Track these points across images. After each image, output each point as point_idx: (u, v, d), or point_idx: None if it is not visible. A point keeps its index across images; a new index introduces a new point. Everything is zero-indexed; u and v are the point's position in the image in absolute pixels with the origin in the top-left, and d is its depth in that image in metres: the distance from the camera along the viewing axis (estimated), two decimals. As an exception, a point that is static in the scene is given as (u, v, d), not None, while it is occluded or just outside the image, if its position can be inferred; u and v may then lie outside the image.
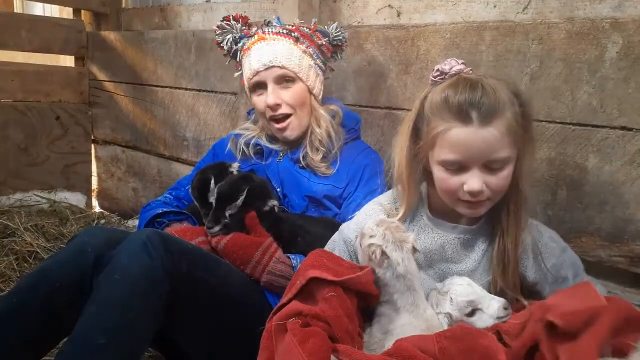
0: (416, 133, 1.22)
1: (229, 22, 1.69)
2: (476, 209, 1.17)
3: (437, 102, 1.14)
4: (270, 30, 1.63)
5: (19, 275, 2.11)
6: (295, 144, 1.67)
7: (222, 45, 1.70)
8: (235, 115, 2.34)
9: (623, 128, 1.37)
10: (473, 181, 1.12)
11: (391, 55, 1.81)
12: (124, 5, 3.23)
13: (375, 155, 1.70)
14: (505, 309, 1.12)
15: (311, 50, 1.64)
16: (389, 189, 1.67)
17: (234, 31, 1.67)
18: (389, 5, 1.99)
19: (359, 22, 2.08)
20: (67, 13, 3.38)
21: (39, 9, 4.16)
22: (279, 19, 1.70)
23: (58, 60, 3.57)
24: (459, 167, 1.13)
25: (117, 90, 3.04)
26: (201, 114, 2.55)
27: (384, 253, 1.14)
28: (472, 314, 1.14)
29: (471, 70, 1.19)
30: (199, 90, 2.55)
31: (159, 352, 1.56)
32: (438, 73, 1.19)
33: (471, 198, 1.14)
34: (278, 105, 1.58)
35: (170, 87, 2.70)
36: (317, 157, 1.60)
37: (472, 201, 1.15)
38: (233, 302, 1.32)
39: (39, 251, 2.29)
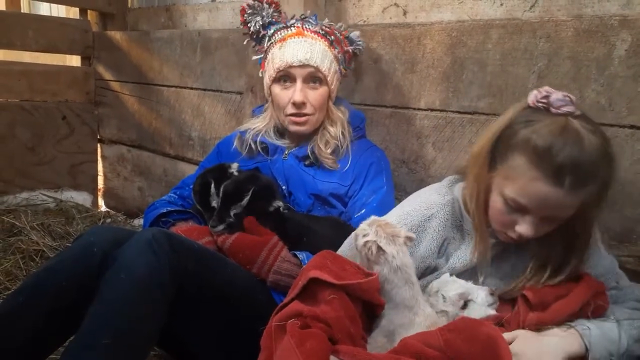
0: (492, 159, 1.14)
1: (260, 4, 1.67)
2: (511, 241, 1.19)
3: (538, 145, 1.04)
4: (309, 27, 1.63)
5: (25, 274, 2.12)
6: (301, 140, 1.68)
7: (248, 25, 1.68)
8: (241, 114, 2.34)
9: (632, 126, 1.35)
10: (527, 228, 1.11)
11: (397, 53, 1.80)
12: (129, 5, 3.24)
13: (380, 152, 1.69)
14: (492, 294, 1.19)
15: (340, 55, 1.67)
16: (395, 187, 1.68)
17: (264, 14, 1.66)
18: (395, 4, 1.98)
19: (365, 21, 2.07)
20: (73, 13, 3.39)
21: (45, 9, 4.18)
22: (315, 16, 1.69)
23: (64, 59, 3.59)
24: (521, 209, 1.11)
25: (122, 89, 3.05)
26: (206, 113, 2.55)
27: (379, 248, 1.14)
28: (464, 306, 1.18)
29: (578, 112, 1.07)
30: (204, 90, 2.55)
31: (165, 351, 1.56)
32: (544, 101, 1.07)
33: (516, 238, 1.15)
34: (303, 104, 1.58)
35: (176, 87, 2.71)
36: (327, 150, 1.61)
37: (514, 238, 1.16)
38: (239, 301, 1.31)
39: (45, 250, 2.29)
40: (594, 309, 1.12)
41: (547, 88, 1.09)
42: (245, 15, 1.68)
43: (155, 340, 1.20)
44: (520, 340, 1.07)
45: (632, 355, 1.11)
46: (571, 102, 1.06)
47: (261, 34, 1.68)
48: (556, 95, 1.07)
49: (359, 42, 1.75)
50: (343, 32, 1.71)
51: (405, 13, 1.96)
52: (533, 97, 1.10)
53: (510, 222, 1.14)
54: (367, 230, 1.17)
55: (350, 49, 1.71)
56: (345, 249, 1.33)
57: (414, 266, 1.19)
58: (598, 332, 1.08)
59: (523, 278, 1.19)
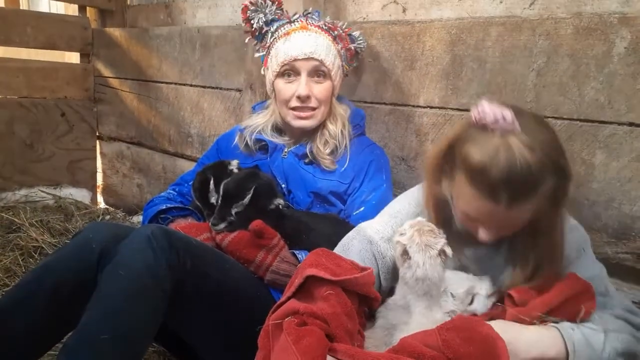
0: (443, 172, 1.17)
1: (262, 1, 1.66)
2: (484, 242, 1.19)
3: (472, 163, 1.06)
4: (312, 22, 1.64)
5: (24, 270, 2.12)
6: (301, 138, 1.68)
7: (251, 22, 1.67)
8: (240, 111, 2.34)
9: (631, 124, 1.35)
10: (485, 234, 1.13)
11: (396, 50, 1.80)
12: (128, 2, 3.23)
13: (379, 150, 1.69)
14: (492, 283, 1.17)
15: (343, 52, 1.68)
16: (394, 184, 1.68)
17: (266, 11, 1.66)
18: (394, 1, 1.98)
19: (364, 18, 2.07)
20: (72, 9, 3.39)
21: (44, 6, 4.17)
22: (318, 13, 1.70)
23: (63, 56, 3.58)
24: (473, 220, 1.14)
25: (121, 86, 3.04)
26: (205, 110, 2.55)
27: (405, 252, 1.13)
28: (471, 301, 1.15)
29: (516, 128, 1.05)
30: (203, 87, 2.55)
31: (163, 346, 1.57)
32: (479, 117, 1.07)
33: (483, 241, 1.16)
34: (308, 98, 1.58)
35: (175, 84, 2.70)
36: (326, 150, 1.60)
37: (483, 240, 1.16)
38: (237, 298, 1.32)
39: (43, 246, 2.30)
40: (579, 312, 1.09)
41: (483, 105, 1.07)
42: (248, 12, 1.67)
43: (153, 336, 1.20)
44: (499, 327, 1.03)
45: None
46: (504, 120, 1.04)
47: (264, 30, 1.68)
48: (491, 115, 1.05)
49: (360, 40, 1.76)
50: (345, 30, 1.73)
51: (404, 10, 1.96)
52: (473, 116, 1.09)
53: (473, 227, 1.16)
54: (405, 230, 1.17)
55: (352, 46, 1.73)
56: (340, 248, 1.33)
57: (442, 281, 1.15)
58: (582, 338, 1.05)
59: (504, 279, 1.19)
